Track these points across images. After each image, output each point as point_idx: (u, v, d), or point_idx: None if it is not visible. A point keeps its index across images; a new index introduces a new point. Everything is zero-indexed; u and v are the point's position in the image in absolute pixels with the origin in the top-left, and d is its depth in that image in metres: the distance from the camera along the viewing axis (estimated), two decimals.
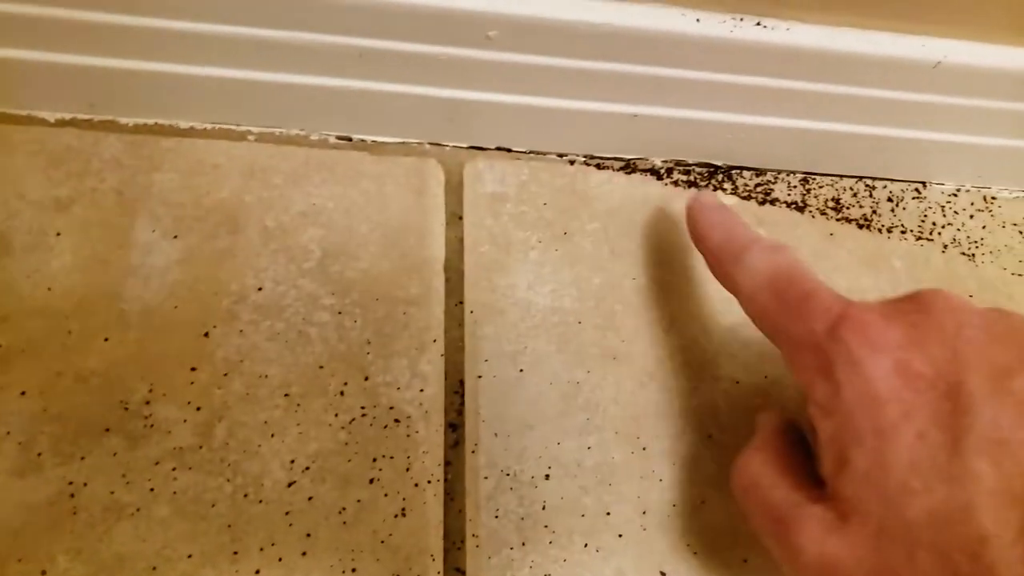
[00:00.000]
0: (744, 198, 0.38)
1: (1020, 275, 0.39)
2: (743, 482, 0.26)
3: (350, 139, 0.36)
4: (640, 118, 0.35)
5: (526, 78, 0.33)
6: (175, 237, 0.33)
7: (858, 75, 0.34)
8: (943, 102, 0.35)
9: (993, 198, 0.41)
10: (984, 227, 0.40)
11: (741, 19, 0.32)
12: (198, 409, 0.30)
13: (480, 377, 0.32)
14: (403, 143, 0.36)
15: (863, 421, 0.22)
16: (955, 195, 0.41)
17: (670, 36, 0.31)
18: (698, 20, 0.31)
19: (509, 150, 0.37)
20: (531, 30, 0.30)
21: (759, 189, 0.39)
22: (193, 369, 0.30)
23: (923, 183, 0.41)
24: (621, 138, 0.37)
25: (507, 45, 0.31)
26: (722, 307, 0.36)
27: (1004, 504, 0.20)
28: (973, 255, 0.39)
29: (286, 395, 0.31)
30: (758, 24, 0.32)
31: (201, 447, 0.29)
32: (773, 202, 0.38)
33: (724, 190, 0.38)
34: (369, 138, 0.36)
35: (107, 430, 0.29)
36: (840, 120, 0.36)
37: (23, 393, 0.29)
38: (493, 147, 0.37)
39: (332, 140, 0.36)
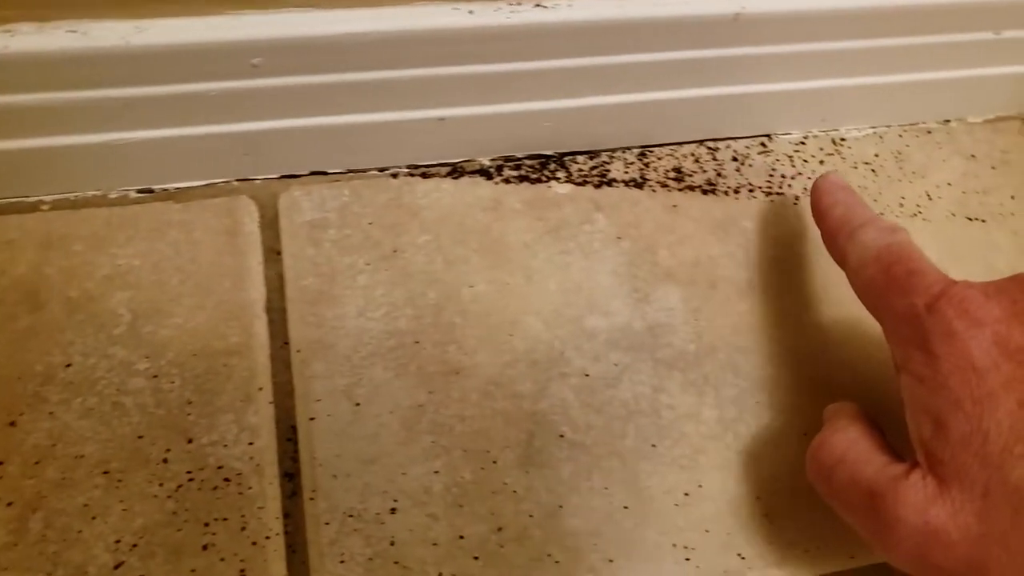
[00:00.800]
0: (579, 184, 0.37)
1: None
2: (828, 461, 0.27)
3: (151, 191, 0.34)
4: (448, 121, 0.34)
5: (311, 99, 0.31)
6: None
7: (661, 39, 0.32)
8: (758, 52, 0.34)
9: (842, 139, 0.40)
10: (835, 170, 0.39)
11: (518, 3, 0.30)
12: (9, 504, 0.28)
13: (313, 419, 0.31)
14: (209, 185, 0.34)
15: (961, 389, 0.23)
16: (803, 143, 0.40)
17: (445, 33, 0.30)
18: (471, 12, 0.30)
19: (325, 173, 0.35)
20: (294, 51, 0.29)
21: (595, 172, 0.37)
22: (1, 463, 0.29)
23: (768, 136, 0.40)
24: (441, 143, 0.35)
25: (275, 70, 0.29)
26: (564, 299, 0.34)
27: None
28: None
29: (105, 473, 0.29)
30: (537, 5, 0.30)
31: (16, 544, 0.28)
32: (611, 183, 0.37)
33: (558, 179, 0.37)
34: (172, 186, 0.34)
35: None
36: (661, 88, 0.35)
37: None
38: (307, 172, 0.35)
39: (133, 195, 0.34)
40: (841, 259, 0.30)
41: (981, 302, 0.24)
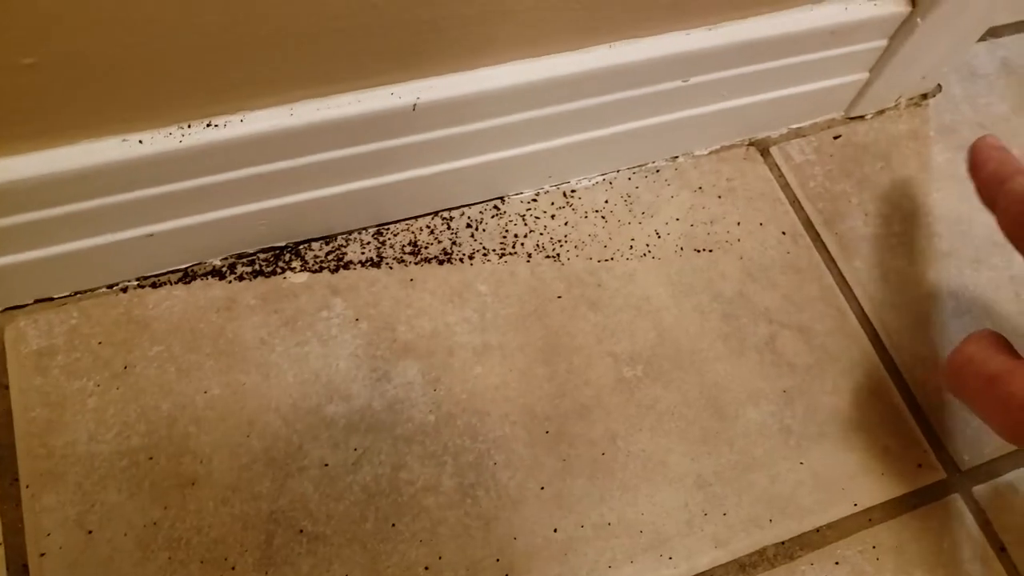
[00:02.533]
0: (316, 271, 0.38)
1: (606, 260, 0.41)
2: (959, 360, 0.31)
3: None
4: (157, 235, 0.34)
5: (7, 237, 0.31)
6: None
7: (343, 138, 0.34)
8: (433, 137, 0.36)
9: (573, 191, 0.42)
10: (567, 223, 0.41)
11: (188, 125, 0.31)
12: None
13: (43, 555, 0.31)
14: None
15: None
16: (535, 199, 0.42)
17: (116, 165, 0.30)
18: (140, 141, 0.30)
19: (51, 299, 0.36)
20: None
21: (331, 257, 0.38)
22: None
23: (501, 198, 0.41)
24: (161, 254, 0.36)
25: None
26: (302, 391, 0.35)
27: None
28: (558, 255, 0.40)
29: None
30: (208, 125, 0.31)
31: None
32: (347, 265, 0.38)
33: (293, 269, 0.38)
34: None
35: None
36: (376, 175, 0.37)
37: None
38: (31, 301, 0.35)
39: None
40: (991, 204, 0.33)
41: None
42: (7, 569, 0.31)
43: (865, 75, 0.45)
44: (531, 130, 0.38)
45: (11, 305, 0.35)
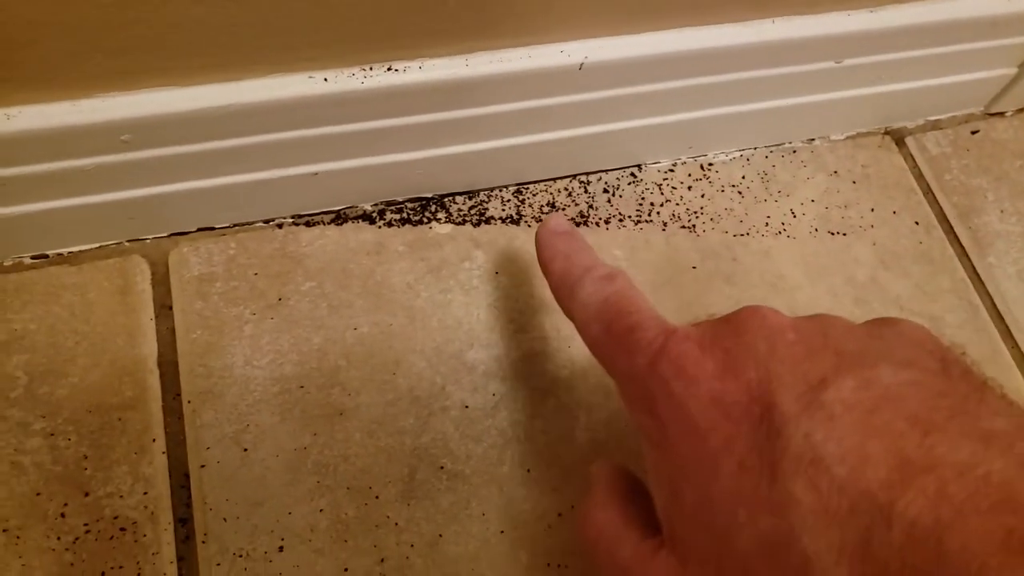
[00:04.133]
0: (459, 223, 0.39)
1: (742, 235, 0.41)
2: (590, 535, 0.26)
3: (46, 256, 0.36)
4: (321, 175, 0.36)
5: (182, 166, 0.33)
6: None
7: (511, 92, 0.34)
8: (613, 94, 0.36)
9: (710, 164, 0.43)
10: (703, 195, 0.42)
11: (371, 68, 0.32)
12: None
13: (203, 466, 0.33)
14: (101, 247, 0.36)
15: (688, 455, 0.22)
16: (672, 170, 0.42)
17: (301, 101, 0.32)
18: (325, 79, 0.32)
19: (212, 228, 0.37)
20: (158, 127, 0.31)
21: (474, 211, 0.39)
22: None
23: (638, 166, 0.42)
24: (320, 194, 0.37)
25: (144, 144, 0.31)
26: (445, 336, 0.36)
27: (823, 525, 0.19)
28: (694, 226, 0.41)
29: (4, 531, 0.31)
30: (389, 69, 0.32)
31: None
32: (488, 220, 0.39)
33: (439, 220, 0.39)
34: (65, 250, 0.36)
35: None
36: (528, 132, 0.37)
37: None
38: (195, 229, 0.37)
39: (27, 261, 0.36)
40: (570, 316, 0.28)
41: (696, 357, 0.23)
42: (170, 477, 0.33)
43: (1013, 71, 0.44)
44: (678, 99, 0.39)
45: (176, 231, 0.37)
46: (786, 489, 0.20)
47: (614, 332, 0.25)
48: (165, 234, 0.37)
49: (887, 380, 0.21)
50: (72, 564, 0.31)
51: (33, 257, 0.36)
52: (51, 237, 0.35)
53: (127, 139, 0.31)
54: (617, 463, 0.28)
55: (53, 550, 0.31)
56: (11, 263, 0.36)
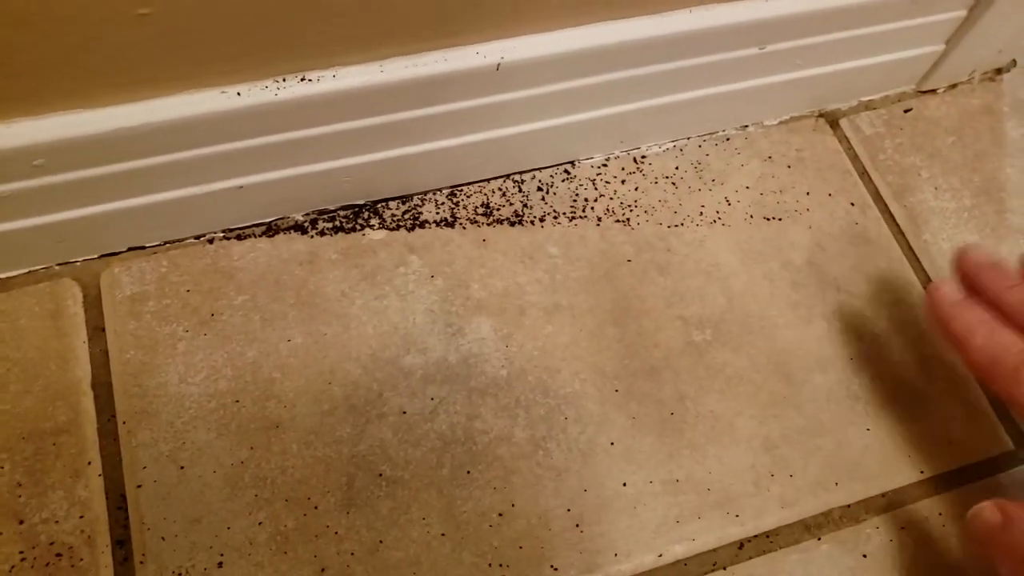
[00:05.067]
0: (393, 229, 0.39)
1: (676, 226, 0.41)
2: (992, 524, 0.28)
3: None
4: (247, 187, 0.36)
5: (102, 187, 0.33)
6: None
7: (430, 96, 0.34)
8: (533, 93, 0.37)
9: (643, 157, 0.43)
10: (637, 188, 0.42)
11: (284, 79, 0.32)
12: None
13: (140, 486, 0.33)
14: (30, 272, 0.36)
15: None
16: (605, 165, 0.42)
17: (216, 116, 0.31)
18: (239, 93, 0.32)
19: (143, 247, 0.37)
20: (72, 150, 0.31)
21: (407, 216, 0.39)
22: None
23: (572, 162, 0.42)
24: (249, 207, 0.37)
25: (58, 168, 0.31)
26: (381, 342, 0.37)
27: None
28: (628, 219, 0.41)
29: None
30: (302, 79, 0.32)
31: None
32: (423, 224, 0.39)
33: (372, 226, 0.39)
34: None
35: None
36: (457, 135, 0.37)
37: None
38: (125, 248, 0.37)
39: None
40: (1010, 400, 0.29)
41: None
42: (106, 499, 0.33)
43: (940, 47, 0.44)
44: (605, 94, 0.39)
45: (106, 252, 0.37)
46: None
47: None
48: (95, 255, 0.37)
49: None
50: None
51: None
52: None
53: (40, 163, 0.31)
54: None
55: None
56: None
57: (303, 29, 0.31)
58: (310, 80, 0.32)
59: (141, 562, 0.32)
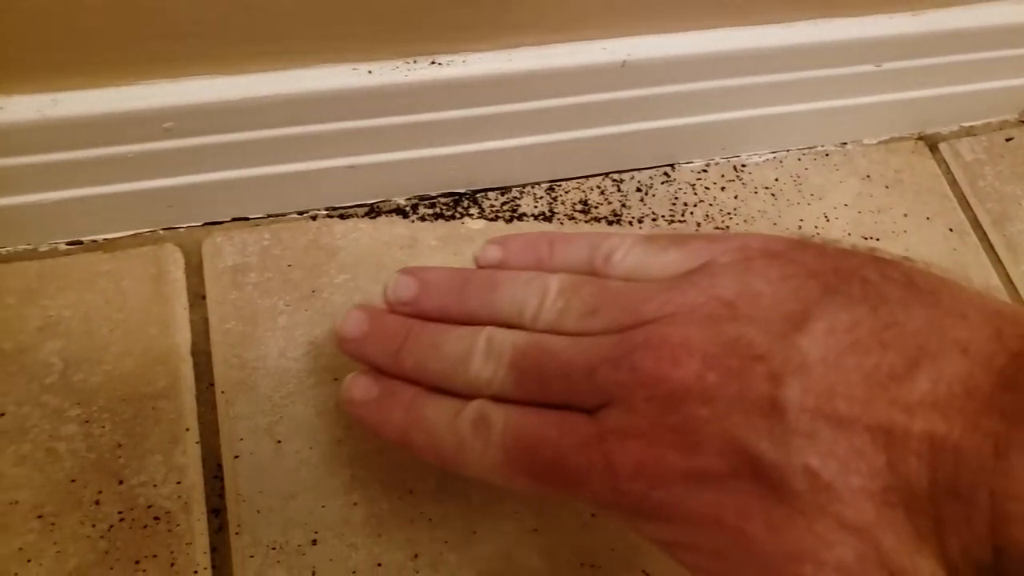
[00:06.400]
0: (491, 219, 0.39)
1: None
2: None
3: (80, 242, 0.36)
4: (358, 168, 0.35)
5: (223, 155, 0.33)
6: None
7: (553, 88, 0.34)
8: (651, 92, 0.36)
9: (743, 165, 0.43)
10: (736, 196, 0.42)
11: (415, 60, 0.32)
12: None
13: (237, 457, 0.33)
14: (136, 235, 0.36)
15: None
16: (705, 170, 0.42)
17: (344, 93, 0.31)
18: (370, 72, 0.31)
19: (247, 219, 0.37)
20: (202, 115, 0.31)
21: (506, 207, 0.39)
22: None
23: (672, 165, 0.42)
24: (355, 187, 0.37)
25: (186, 132, 0.31)
26: None
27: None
28: (727, 227, 0.41)
29: (39, 517, 0.31)
30: (432, 62, 0.32)
31: None
32: (521, 217, 0.39)
33: (471, 215, 0.39)
34: (100, 237, 0.36)
35: None
36: (564, 129, 0.37)
37: None
38: (229, 219, 0.37)
39: (63, 247, 0.35)
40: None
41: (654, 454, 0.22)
42: (203, 467, 0.32)
43: None
44: (716, 99, 0.39)
45: (210, 221, 0.37)
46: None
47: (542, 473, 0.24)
48: (199, 223, 0.37)
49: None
50: (107, 552, 0.31)
51: (68, 243, 0.36)
52: (86, 223, 0.35)
53: (169, 127, 0.31)
54: None
55: (88, 537, 0.31)
56: (47, 249, 0.35)
57: (437, 12, 0.31)
58: (440, 64, 0.32)
59: (237, 533, 0.32)
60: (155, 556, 0.31)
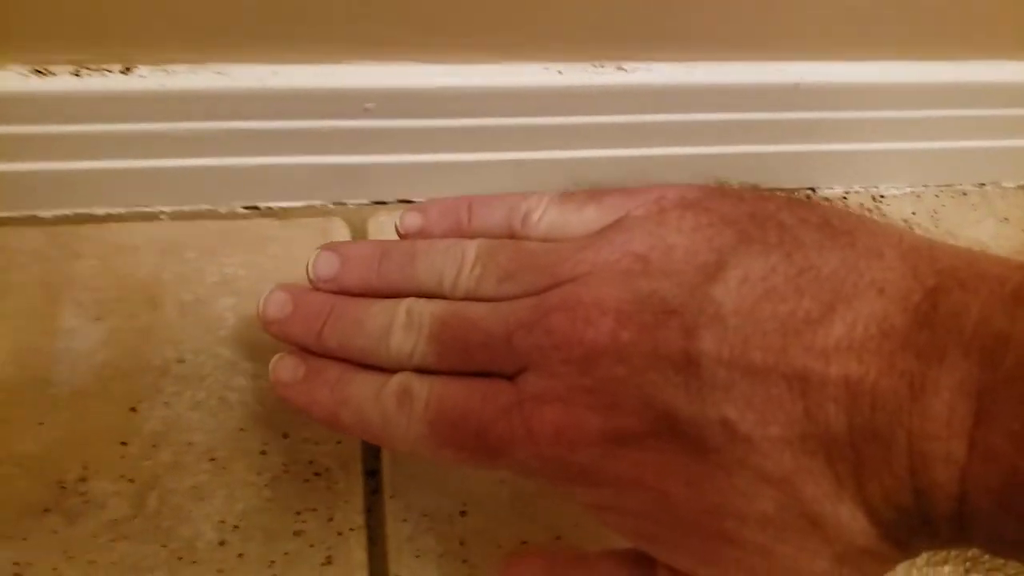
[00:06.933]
0: None
1: None
2: None
3: (257, 208, 0.38)
4: (524, 163, 0.37)
5: (409, 139, 0.35)
6: (98, 319, 0.35)
7: (737, 102, 0.36)
8: (809, 116, 0.38)
9: (882, 196, 0.43)
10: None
11: (602, 65, 0.34)
12: (131, 481, 0.32)
13: None
14: (308, 206, 0.38)
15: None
16: (844, 198, 0.43)
17: (534, 90, 0.33)
18: (560, 72, 0.33)
19: (410, 201, 0.39)
20: (402, 99, 0.32)
21: None
22: (123, 443, 0.32)
23: (812, 189, 0.43)
24: (517, 181, 0.39)
25: (384, 113, 0.33)
26: None
27: None
28: None
29: (212, 459, 0.33)
30: (619, 68, 0.34)
31: (135, 517, 0.31)
32: None
33: None
34: (275, 205, 0.38)
35: (46, 510, 0.31)
36: (711, 144, 0.39)
37: None
38: (394, 200, 0.39)
39: (240, 210, 0.38)
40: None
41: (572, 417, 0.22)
42: None
43: None
44: (872, 128, 0.40)
45: (376, 200, 0.39)
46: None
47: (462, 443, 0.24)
48: (367, 201, 0.39)
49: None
50: (270, 500, 0.32)
51: (245, 207, 0.38)
52: (266, 190, 0.37)
53: (370, 107, 0.33)
54: None
55: (254, 484, 0.33)
56: (225, 210, 0.38)
57: (628, 22, 0.33)
58: (625, 70, 0.34)
59: (392, 496, 0.33)
60: (314, 509, 0.32)
